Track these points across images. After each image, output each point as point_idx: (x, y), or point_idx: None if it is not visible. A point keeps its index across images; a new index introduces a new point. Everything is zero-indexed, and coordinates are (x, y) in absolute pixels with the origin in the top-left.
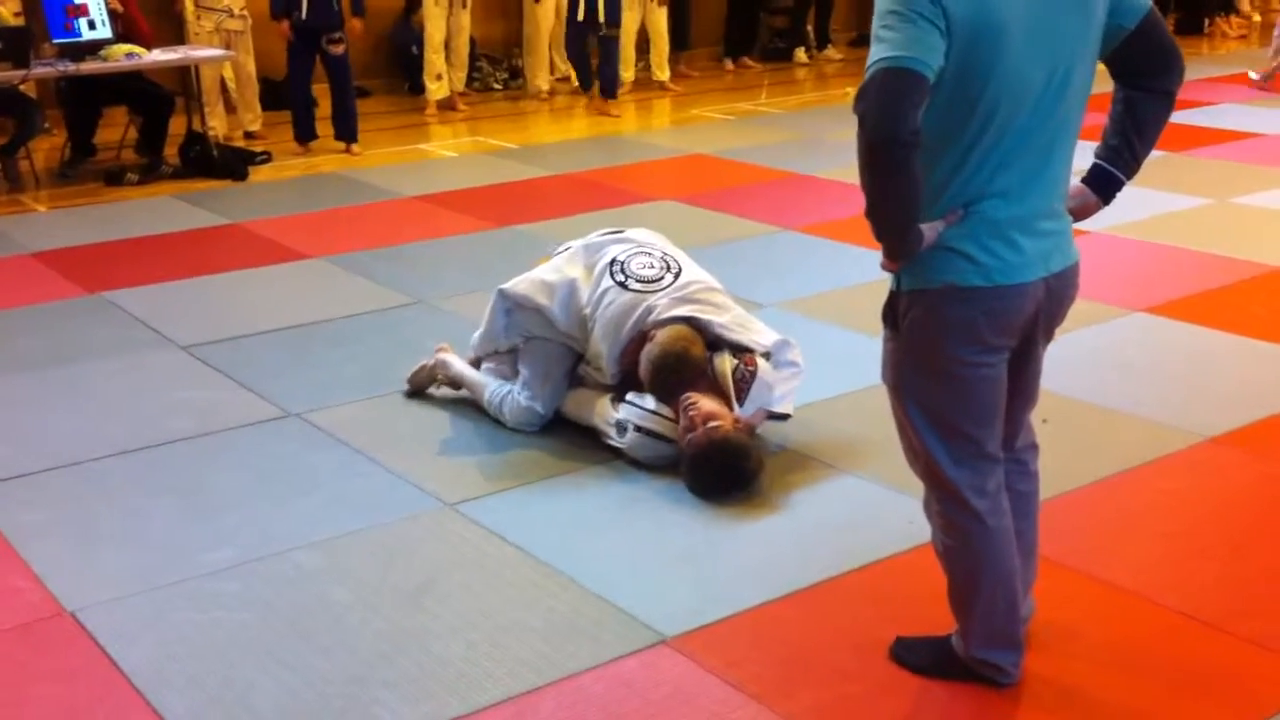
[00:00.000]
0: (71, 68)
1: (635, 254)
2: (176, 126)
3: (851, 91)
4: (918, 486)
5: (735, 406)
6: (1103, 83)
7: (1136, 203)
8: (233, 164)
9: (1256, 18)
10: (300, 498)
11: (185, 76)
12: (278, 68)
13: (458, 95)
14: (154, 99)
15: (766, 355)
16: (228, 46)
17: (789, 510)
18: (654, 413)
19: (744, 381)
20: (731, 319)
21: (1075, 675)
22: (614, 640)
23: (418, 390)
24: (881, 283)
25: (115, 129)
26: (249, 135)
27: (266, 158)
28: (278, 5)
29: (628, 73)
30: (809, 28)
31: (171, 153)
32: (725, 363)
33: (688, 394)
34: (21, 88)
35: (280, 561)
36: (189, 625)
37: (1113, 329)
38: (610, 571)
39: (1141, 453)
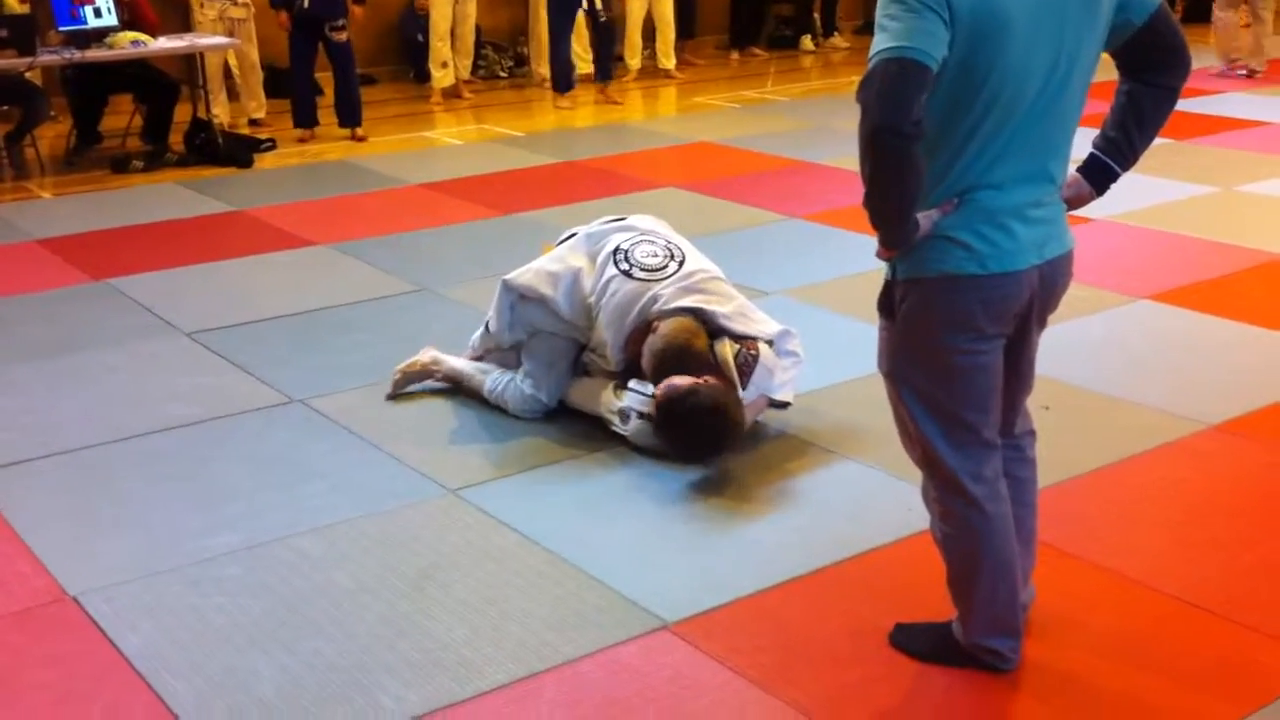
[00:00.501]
0: (77, 55)
1: (639, 242)
2: (181, 114)
3: (857, 80)
4: (918, 474)
5: (739, 390)
6: (1105, 71)
7: (1140, 190)
8: (237, 151)
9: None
10: (302, 484)
11: (190, 64)
12: (282, 56)
13: (463, 83)
14: (159, 87)
15: (769, 343)
16: (231, 35)
17: (790, 497)
18: None
19: (746, 365)
20: (735, 309)
21: (1075, 662)
22: (615, 626)
23: (401, 388)
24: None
25: (121, 116)
26: (253, 123)
27: (271, 145)
28: None
29: (634, 60)
30: (815, 15)
31: (176, 140)
32: (727, 348)
33: None
34: (27, 75)
35: (282, 547)
36: (191, 611)
37: (1116, 316)
38: (612, 558)
39: (1144, 440)
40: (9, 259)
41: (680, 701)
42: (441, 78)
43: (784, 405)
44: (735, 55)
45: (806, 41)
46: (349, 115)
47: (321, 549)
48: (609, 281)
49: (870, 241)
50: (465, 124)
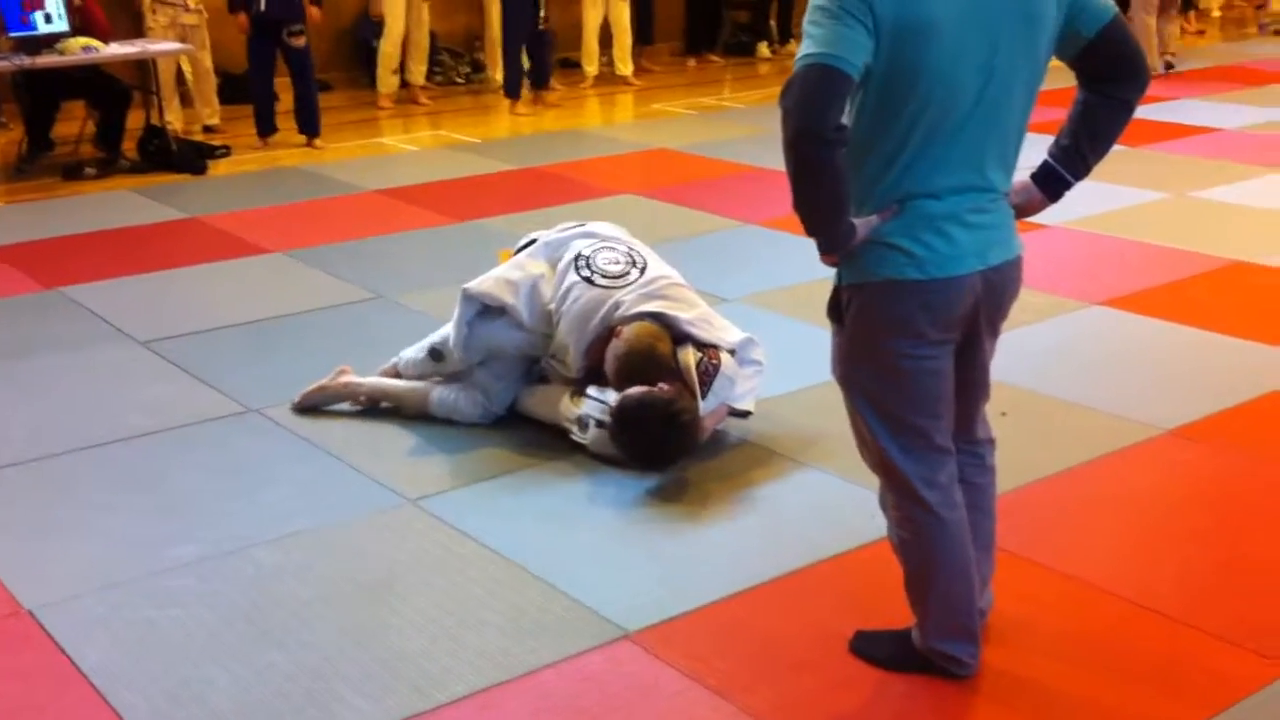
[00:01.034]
0: (27, 62)
1: (601, 248)
2: (134, 120)
3: None
4: (876, 480)
5: (699, 399)
6: (1063, 78)
7: (1093, 197)
8: (191, 158)
9: (1216, 13)
10: (260, 494)
11: (143, 70)
12: (236, 62)
13: (419, 89)
14: (112, 93)
15: (731, 352)
16: (183, 41)
17: (751, 505)
18: None
19: (707, 374)
20: (697, 315)
21: (1033, 668)
22: (576, 635)
23: (310, 408)
24: None
25: (73, 123)
26: (207, 129)
27: (225, 152)
28: None
29: (590, 67)
30: (772, 22)
31: (130, 147)
32: (689, 356)
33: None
34: None
35: (240, 558)
36: (147, 623)
37: (1071, 322)
38: (573, 566)
39: (1100, 445)
40: None
41: (640, 710)
42: (389, 83)
43: (745, 414)
44: (692, 62)
45: (763, 48)
46: (307, 124)
47: (279, 559)
48: (570, 288)
49: None
50: (422, 130)
